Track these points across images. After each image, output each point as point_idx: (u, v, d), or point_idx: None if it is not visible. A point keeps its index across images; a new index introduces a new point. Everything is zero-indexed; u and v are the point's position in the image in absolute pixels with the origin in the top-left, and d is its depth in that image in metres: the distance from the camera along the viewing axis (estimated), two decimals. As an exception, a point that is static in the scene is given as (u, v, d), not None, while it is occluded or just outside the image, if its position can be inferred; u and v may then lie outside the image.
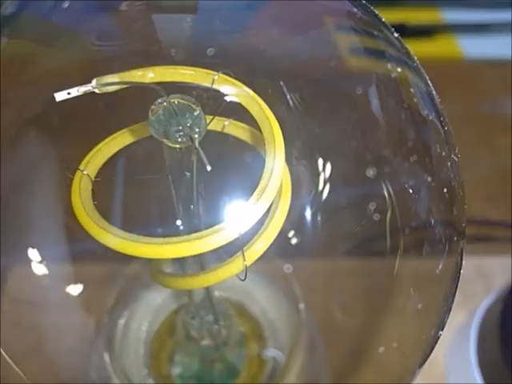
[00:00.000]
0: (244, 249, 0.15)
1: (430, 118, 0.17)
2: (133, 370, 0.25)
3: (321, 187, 0.20)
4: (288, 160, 0.16)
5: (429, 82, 0.17)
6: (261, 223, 0.15)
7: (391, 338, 0.22)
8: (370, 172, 0.19)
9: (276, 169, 0.14)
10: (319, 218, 0.22)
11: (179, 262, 0.18)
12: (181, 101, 0.14)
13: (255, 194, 0.14)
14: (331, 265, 0.26)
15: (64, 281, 0.23)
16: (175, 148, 0.14)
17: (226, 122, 0.17)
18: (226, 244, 0.13)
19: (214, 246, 0.13)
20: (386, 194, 0.19)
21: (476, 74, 0.48)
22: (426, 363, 0.32)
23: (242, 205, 0.14)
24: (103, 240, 0.13)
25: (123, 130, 0.16)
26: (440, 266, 0.20)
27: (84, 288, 0.24)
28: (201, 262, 0.17)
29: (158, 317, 0.27)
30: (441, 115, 0.17)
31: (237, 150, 0.17)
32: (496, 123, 0.45)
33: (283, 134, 0.15)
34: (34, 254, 0.19)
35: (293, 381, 0.25)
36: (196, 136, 0.13)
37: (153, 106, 0.14)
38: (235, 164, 0.18)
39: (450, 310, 0.19)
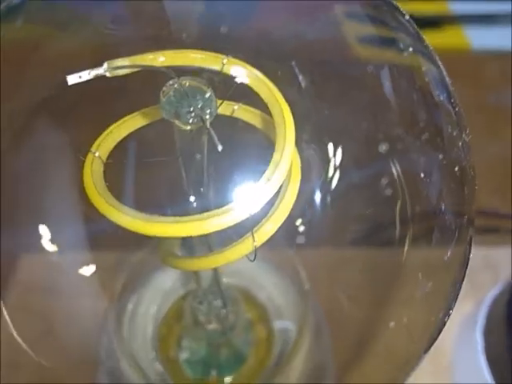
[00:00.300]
0: (253, 230, 0.15)
1: (441, 98, 0.17)
2: (140, 353, 0.26)
3: (331, 171, 0.20)
4: (298, 144, 0.16)
5: (440, 64, 0.17)
6: (270, 205, 0.15)
7: (398, 322, 0.22)
8: (383, 148, 0.19)
9: (286, 150, 0.14)
10: (328, 203, 0.22)
11: (188, 244, 0.18)
12: (192, 82, 0.14)
13: (265, 175, 0.14)
14: (339, 252, 0.26)
15: (75, 266, 0.24)
16: (186, 130, 0.14)
17: (236, 107, 0.17)
18: (236, 224, 0.13)
19: (225, 226, 0.13)
20: (396, 177, 0.19)
21: (484, 65, 0.48)
22: (433, 353, 0.32)
23: (252, 186, 0.14)
24: (115, 218, 0.13)
25: (134, 114, 0.16)
26: (449, 253, 0.20)
27: (94, 273, 0.24)
28: (209, 245, 0.17)
29: (166, 302, 0.27)
30: (452, 96, 0.17)
31: (247, 132, 0.17)
32: (504, 114, 0.45)
33: (293, 116, 0.15)
34: (46, 237, 0.19)
35: (299, 366, 0.25)
36: (207, 117, 0.13)
37: (164, 88, 0.14)
38: (245, 146, 0.18)
39: (457, 295, 0.19)
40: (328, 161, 0.20)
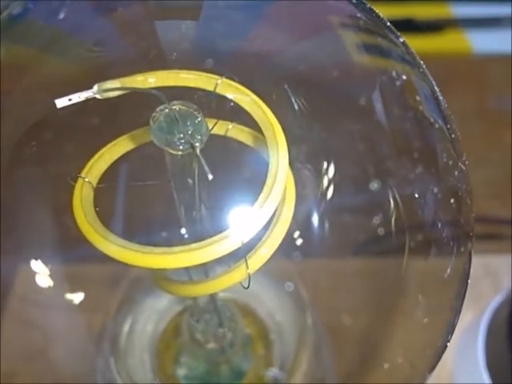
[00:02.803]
0: (247, 256, 0.15)
1: (437, 125, 0.17)
2: (138, 370, 0.26)
3: (326, 191, 0.20)
4: (293, 164, 0.16)
5: (436, 87, 0.16)
6: (265, 228, 0.15)
7: (399, 343, 0.22)
8: (375, 185, 0.18)
9: (279, 174, 0.14)
10: (324, 222, 0.21)
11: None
12: (182, 107, 0.14)
13: (258, 200, 0.14)
14: (337, 267, 0.26)
15: (69, 283, 0.23)
16: (177, 155, 0.14)
17: (230, 126, 0.17)
18: (229, 253, 0.13)
19: (216, 256, 0.13)
20: (391, 200, 0.19)
21: (485, 68, 0.48)
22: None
23: (245, 212, 0.14)
24: (103, 248, 0.13)
25: (125, 136, 0.16)
26: (448, 270, 0.19)
27: (89, 289, 0.24)
28: (205, 268, 0.17)
29: (164, 318, 0.27)
30: (448, 122, 0.16)
31: (240, 154, 0.17)
32: (505, 119, 0.44)
33: (288, 138, 0.15)
34: (36, 261, 0.19)
35: (299, 382, 0.25)
36: (197, 144, 0.13)
37: (154, 114, 0.14)
38: (239, 169, 0.18)
39: (459, 311, 0.19)
40: (323, 180, 0.19)
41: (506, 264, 0.35)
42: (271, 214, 0.14)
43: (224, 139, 0.17)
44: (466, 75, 0.47)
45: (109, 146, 0.16)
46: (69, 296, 0.24)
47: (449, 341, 0.18)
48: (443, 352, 0.18)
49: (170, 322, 0.27)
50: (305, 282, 0.27)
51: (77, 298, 0.24)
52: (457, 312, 0.19)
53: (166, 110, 0.13)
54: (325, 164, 0.19)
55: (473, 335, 0.31)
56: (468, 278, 0.19)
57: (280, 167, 0.14)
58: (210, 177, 0.12)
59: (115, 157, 0.16)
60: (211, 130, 0.15)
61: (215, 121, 0.16)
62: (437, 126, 0.17)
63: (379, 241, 0.23)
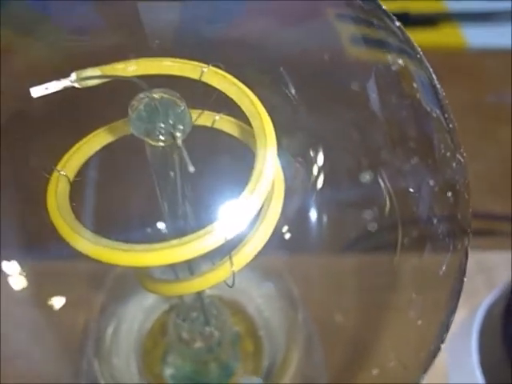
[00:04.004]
0: (232, 253, 0.14)
1: (434, 114, 0.16)
2: (123, 371, 0.25)
3: (316, 183, 0.19)
4: (282, 156, 0.15)
5: (433, 75, 0.16)
6: (252, 224, 0.14)
7: (391, 343, 0.21)
8: (367, 176, 0.18)
9: (267, 167, 0.13)
10: (316, 216, 0.21)
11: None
12: (164, 95, 0.13)
13: (244, 194, 0.13)
14: (329, 263, 0.25)
15: (51, 281, 0.23)
16: (158, 147, 0.13)
17: (217, 117, 0.16)
18: (212, 250, 0.12)
19: (199, 253, 0.12)
20: (385, 193, 0.18)
21: (480, 63, 0.48)
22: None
23: (230, 206, 0.13)
24: (78, 246, 0.12)
25: (103, 128, 0.15)
26: (443, 268, 0.19)
27: (72, 287, 0.23)
28: (189, 265, 0.16)
29: (150, 317, 0.26)
30: (445, 111, 0.16)
31: (228, 147, 0.16)
32: (500, 113, 0.44)
33: (277, 129, 0.14)
34: (10, 263, 0.18)
35: (289, 380, 0.24)
36: (179, 134, 0.12)
37: (133, 102, 0.13)
38: (226, 163, 0.17)
39: (455, 309, 0.18)
40: (314, 172, 0.19)
41: (500, 260, 0.34)
42: (257, 209, 0.13)
43: (210, 131, 0.16)
44: (461, 69, 0.47)
45: (87, 137, 0.15)
46: (51, 295, 0.23)
47: (443, 341, 0.18)
48: (437, 352, 0.18)
49: (156, 321, 0.26)
50: (295, 278, 0.26)
51: (59, 300, 0.23)
52: (452, 311, 0.19)
53: (146, 99, 0.13)
54: (316, 155, 0.18)
55: (466, 333, 0.31)
56: (464, 276, 0.19)
57: (267, 159, 0.13)
58: (192, 169, 0.11)
59: (94, 149, 0.15)
60: (195, 120, 0.15)
61: (200, 111, 0.16)
62: (434, 115, 0.16)
63: (372, 236, 0.22)
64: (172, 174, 0.14)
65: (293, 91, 0.17)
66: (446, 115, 0.16)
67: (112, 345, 0.25)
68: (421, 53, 0.16)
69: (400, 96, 0.18)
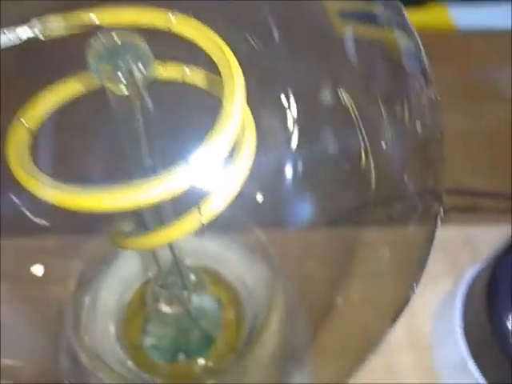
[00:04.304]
0: (201, 202, 0.14)
1: (416, 79, 0.16)
2: (102, 342, 0.25)
3: (292, 139, 0.19)
4: (256, 109, 0.15)
5: (420, 44, 0.15)
6: (222, 175, 0.14)
7: (364, 295, 0.21)
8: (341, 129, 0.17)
9: (234, 111, 0.13)
10: (290, 174, 0.20)
11: (139, 221, 0.17)
12: (123, 36, 0.13)
13: (209, 138, 0.13)
14: (305, 232, 0.25)
15: (26, 256, 0.22)
16: (121, 96, 0.13)
17: (186, 69, 0.16)
18: (174, 196, 0.12)
19: (161, 197, 0.12)
20: (362, 144, 0.18)
21: (467, 44, 0.48)
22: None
23: (195, 152, 0.13)
24: (38, 192, 0.12)
25: (69, 79, 0.15)
26: (415, 227, 0.19)
27: (46, 262, 0.23)
28: (161, 219, 0.16)
29: (129, 289, 0.26)
30: (428, 80, 0.15)
31: (197, 100, 0.16)
32: (486, 92, 0.44)
33: (249, 78, 0.14)
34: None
35: (270, 345, 0.24)
36: (139, 74, 0.12)
37: (91, 41, 0.12)
38: (195, 116, 0.17)
39: (422, 270, 0.18)
40: (290, 125, 0.18)
41: (485, 234, 0.34)
42: (225, 150, 0.13)
43: (178, 84, 0.16)
44: (449, 50, 0.47)
45: (50, 88, 0.14)
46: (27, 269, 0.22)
47: (411, 294, 0.18)
48: (406, 303, 0.18)
49: (135, 293, 0.26)
50: (275, 250, 0.26)
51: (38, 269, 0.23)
52: (421, 267, 0.18)
53: (105, 39, 0.12)
54: (290, 107, 0.18)
55: (451, 303, 0.31)
56: (433, 239, 0.18)
57: (235, 105, 0.13)
58: (151, 107, 0.11)
59: (58, 101, 0.14)
60: (164, 72, 0.14)
61: (169, 64, 0.15)
62: (416, 79, 0.16)
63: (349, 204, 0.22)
64: (136, 122, 0.13)
65: (261, 41, 0.16)
66: (429, 84, 0.16)
67: (89, 316, 0.25)
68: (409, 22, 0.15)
69: (382, 55, 0.18)
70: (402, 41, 0.18)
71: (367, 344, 0.19)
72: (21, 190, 0.12)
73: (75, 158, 0.19)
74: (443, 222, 0.18)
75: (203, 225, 0.14)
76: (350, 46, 0.16)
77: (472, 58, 0.48)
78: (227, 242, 0.27)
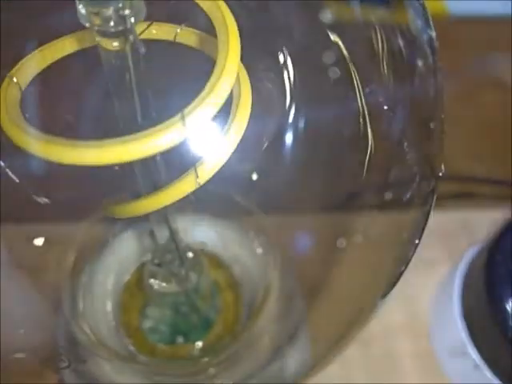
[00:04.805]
0: (197, 164, 0.14)
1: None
2: (101, 325, 0.24)
3: (289, 110, 0.18)
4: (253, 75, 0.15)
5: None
6: (217, 135, 0.14)
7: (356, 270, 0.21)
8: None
9: (228, 69, 0.13)
10: (287, 146, 0.20)
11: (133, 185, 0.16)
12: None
13: (201, 95, 0.12)
14: (301, 215, 0.25)
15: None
16: (111, 51, 0.12)
17: (178, 30, 0.15)
18: (163, 150, 0.12)
19: (153, 150, 0.12)
20: (360, 111, 0.17)
21: (461, 31, 0.48)
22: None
23: (187, 109, 0.12)
24: (29, 147, 0.12)
25: (61, 38, 0.14)
26: (410, 202, 0.18)
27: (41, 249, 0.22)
28: (154, 185, 0.16)
29: (126, 271, 0.26)
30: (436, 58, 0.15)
31: (191, 60, 0.15)
32: (482, 80, 0.44)
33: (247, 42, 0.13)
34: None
35: (268, 328, 0.24)
36: (131, 19, 0.11)
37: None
38: (189, 77, 0.17)
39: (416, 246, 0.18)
40: (287, 93, 0.18)
41: (483, 220, 0.34)
42: (213, 112, 0.12)
43: (172, 44, 0.15)
44: (443, 37, 0.47)
45: (42, 47, 0.14)
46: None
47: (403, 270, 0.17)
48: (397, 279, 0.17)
49: (133, 274, 0.26)
50: (272, 232, 0.26)
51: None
52: (413, 244, 0.18)
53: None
54: (289, 74, 0.17)
55: (449, 287, 0.31)
56: (428, 216, 0.18)
57: (228, 62, 0.13)
58: (143, 50, 0.11)
59: (50, 60, 0.14)
60: (156, 34, 0.14)
61: (162, 24, 0.15)
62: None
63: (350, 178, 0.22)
64: (127, 77, 0.13)
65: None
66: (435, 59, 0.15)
67: (87, 300, 0.24)
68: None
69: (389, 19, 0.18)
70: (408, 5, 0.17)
71: (360, 317, 0.19)
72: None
73: (65, 122, 0.18)
74: (441, 207, 0.18)
75: (200, 185, 0.13)
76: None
77: (465, 45, 0.48)
78: (225, 225, 0.26)
